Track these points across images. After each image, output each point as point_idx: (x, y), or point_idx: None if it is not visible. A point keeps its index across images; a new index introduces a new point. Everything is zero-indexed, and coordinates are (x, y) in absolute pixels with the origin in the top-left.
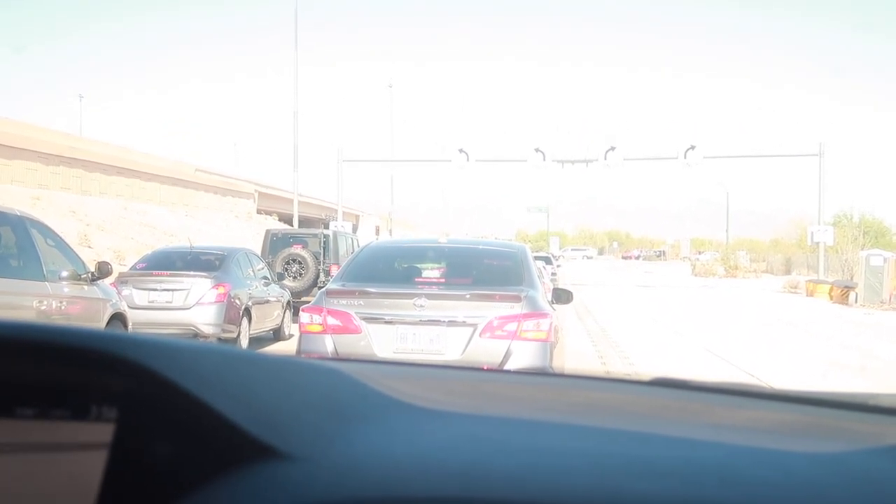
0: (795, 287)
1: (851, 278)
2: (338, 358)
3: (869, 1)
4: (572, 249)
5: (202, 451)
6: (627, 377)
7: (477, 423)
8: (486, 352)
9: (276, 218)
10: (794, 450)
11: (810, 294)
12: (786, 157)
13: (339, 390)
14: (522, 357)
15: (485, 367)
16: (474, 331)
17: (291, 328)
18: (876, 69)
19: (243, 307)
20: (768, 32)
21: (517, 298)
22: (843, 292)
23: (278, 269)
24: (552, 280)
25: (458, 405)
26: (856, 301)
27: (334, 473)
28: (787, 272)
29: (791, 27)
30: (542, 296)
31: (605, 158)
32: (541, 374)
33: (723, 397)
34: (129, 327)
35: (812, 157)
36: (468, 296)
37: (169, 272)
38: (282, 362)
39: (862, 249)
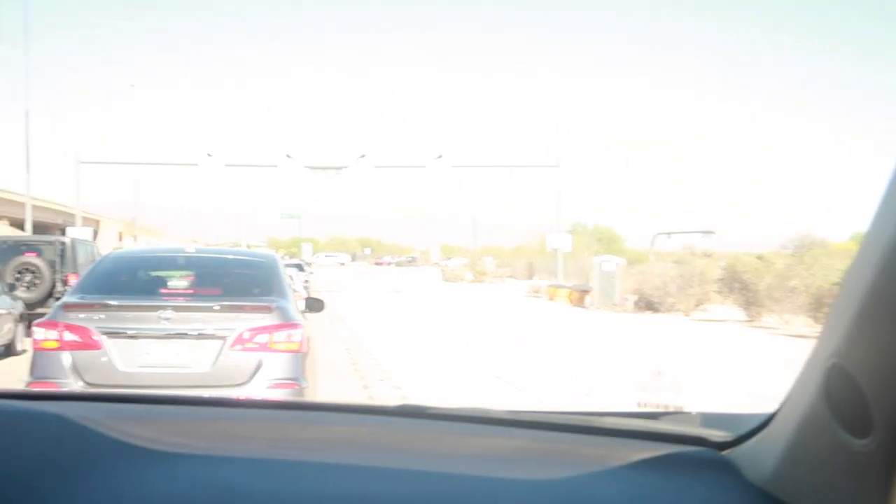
0: (538, 291)
1: (587, 282)
2: (64, 395)
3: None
4: (325, 256)
5: None
6: (371, 406)
7: (211, 465)
8: (237, 365)
9: (7, 223)
10: (525, 478)
11: (551, 298)
12: (528, 168)
13: (62, 440)
14: (274, 369)
15: (218, 398)
16: (224, 343)
17: (24, 343)
18: (607, 87)
19: None
20: (513, 46)
21: (268, 309)
22: (580, 296)
23: (9, 280)
24: (305, 288)
25: (192, 447)
26: (591, 304)
27: None
28: (530, 277)
29: (532, 42)
30: (294, 305)
31: (357, 165)
32: (284, 405)
33: (460, 425)
34: None
35: (551, 169)
36: (217, 307)
37: None
38: None
39: (596, 256)
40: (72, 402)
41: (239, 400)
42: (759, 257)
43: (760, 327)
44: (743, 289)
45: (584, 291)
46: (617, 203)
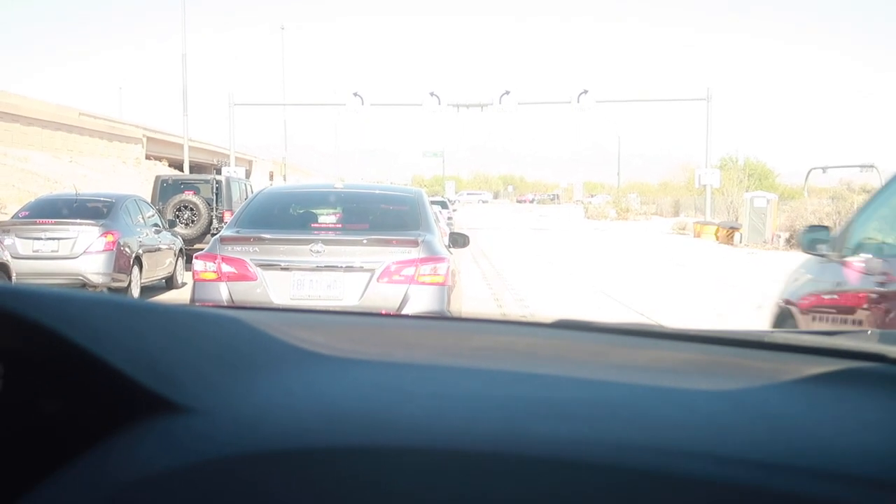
0: (684, 228)
1: (736, 219)
2: (236, 306)
3: None
4: (468, 194)
5: (96, 406)
6: (529, 320)
7: (380, 370)
8: (385, 297)
9: (166, 164)
10: (695, 388)
11: (698, 235)
12: (675, 102)
13: (238, 340)
14: (420, 301)
15: (383, 312)
16: (372, 276)
17: (184, 276)
18: (761, 16)
19: (133, 255)
20: None
21: (414, 243)
22: (729, 233)
23: (169, 216)
24: (448, 224)
25: (360, 352)
26: (740, 241)
27: (235, 426)
28: (676, 214)
29: None
30: (439, 240)
31: (500, 103)
32: (442, 318)
33: (624, 338)
34: (13, 278)
35: (700, 102)
36: (365, 241)
37: (54, 220)
38: (178, 312)
39: (746, 192)
40: (244, 310)
41: (405, 315)
42: None
43: None
44: None
45: (733, 228)
46: (770, 135)
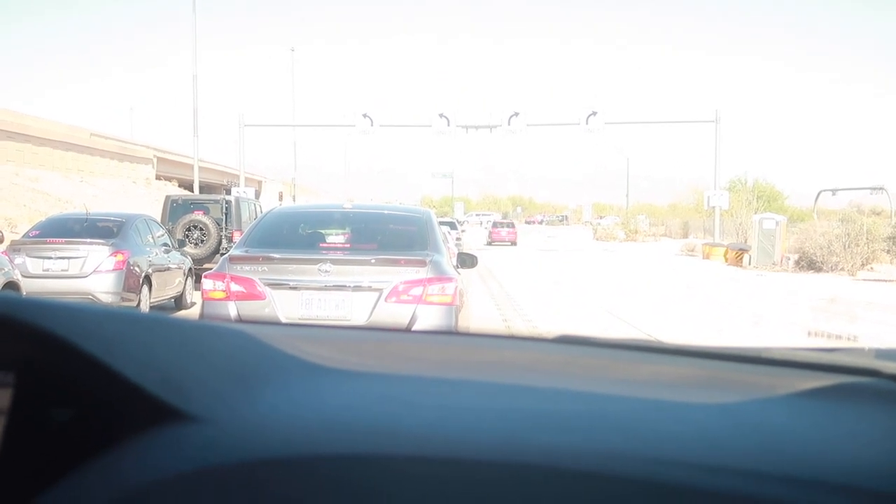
0: (692, 250)
1: (745, 241)
2: (243, 320)
3: None
4: (476, 215)
5: (106, 414)
6: (532, 335)
7: (383, 382)
8: (392, 316)
9: (176, 184)
10: (691, 401)
11: (706, 257)
12: (683, 124)
13: (244, 352)
14: (428, 321)
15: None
16: (380, 296)
17: (194, 296)
18: (771, 38)
19: (143, 275)
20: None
21: (422, 263)
22: (738, 255)
23: (179, 236)
24: (457, 245)
25: (364, 365)
26: (749, 263)
27: (239, 434)
28: (685, 236)
29: None
30: (447, 260)
31: (509, 124)
32: (447, 333)
33: (625, 353)
34: None
35: (708, 124)
36: (373, 260)
37: (64, 240)
38: (187, 325)
39: (755, 213)
40: (247, 324)
41: (408, 330)
42: None
43: None
44: None
45: (742, 250)
46: (779, 157)
